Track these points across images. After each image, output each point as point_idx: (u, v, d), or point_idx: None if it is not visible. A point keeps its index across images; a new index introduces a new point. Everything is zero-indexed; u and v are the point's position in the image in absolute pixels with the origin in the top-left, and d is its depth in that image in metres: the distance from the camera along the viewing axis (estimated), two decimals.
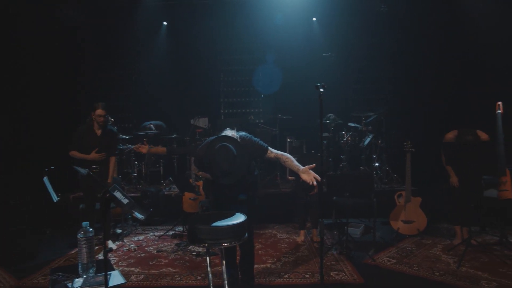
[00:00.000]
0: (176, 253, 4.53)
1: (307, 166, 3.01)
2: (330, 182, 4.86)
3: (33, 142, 6.36)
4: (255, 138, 3.20)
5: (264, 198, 5.93)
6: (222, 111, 8.48)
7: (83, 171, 4.01)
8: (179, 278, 3.81)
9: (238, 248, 3.49)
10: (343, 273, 3.84)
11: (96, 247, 4.33)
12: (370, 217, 5.49)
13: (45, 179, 4.89)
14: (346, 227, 4.62)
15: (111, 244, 4.79)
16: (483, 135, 4.49)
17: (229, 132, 3.15)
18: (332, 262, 4.14)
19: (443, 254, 4.33)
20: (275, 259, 4.28)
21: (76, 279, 2.48)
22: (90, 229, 2.63)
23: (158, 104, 7.87)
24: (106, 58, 7.81)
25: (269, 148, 3.16)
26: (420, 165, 5.54)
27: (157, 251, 4.61)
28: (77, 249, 3.04)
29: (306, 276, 3.79)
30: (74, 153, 4.52)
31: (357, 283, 3.63)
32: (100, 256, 4.19)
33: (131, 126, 7.94)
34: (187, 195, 5.48)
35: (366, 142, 6.47)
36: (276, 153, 3.14)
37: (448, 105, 6.64)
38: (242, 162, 2.95)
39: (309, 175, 2.97)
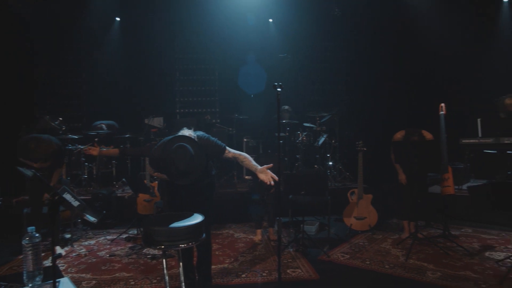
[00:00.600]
0: (130, 257, 4.38)
1: (265, 166, 3.03)
2: (286, 181, 4.93)
3: None
4: (213, 138, 3.17)
5: (221, 198, 5.91)
6: (177, 110, 8.34)
7: (28, 172, 3.76)
8: (133, 282, 3.69)
9: (195, 249, 3.44)
10: (300, 270, 3.91)
11: (43, 254, 4.09)
12: (324, 215, 5.64)
13: None
14: (302, 225, 4.71)
15: (59, 250, 4.54)
16: (428, 135, 4.76)
17: (186, 132, 3.10)
18: (289, 260, 4.20)
19: (392, 248, 4.55)
20: (232, 259, 4.27)
21: None
22: (37, 234, 2.47)
23: (111, 103, 7.60)
24: (55, 54, 7.41)
25: (227, 147, 3.15)
26: (371, 164, 5.78)
27: (110, 256, 4.44)
28: (21, 256, 2.85)
29: (263, 274, 3.82)
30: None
31: (312, 279, 3.72)
32: (48, 263, 3.96)
33: (81, 125, 7.59)
34: (142, 196, 5.33)
35: (321, 141, 6.65)
36: (234, 153, 3.14)
37: (397, 106, 6.99)
38: (199, 162, 2.91)
39: (266, 175, 3.00)
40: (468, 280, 3.55)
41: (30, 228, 2.50)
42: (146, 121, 6.96)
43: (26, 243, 2.45)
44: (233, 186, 6.56)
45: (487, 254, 4.23)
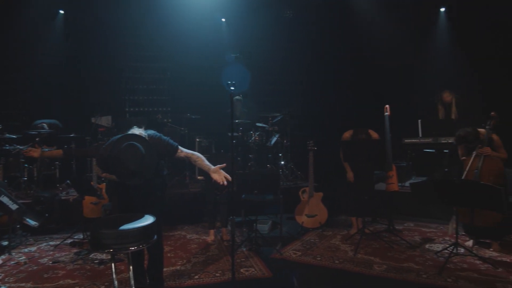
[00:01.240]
0: (75, 263, 4.16)
1: (218, 165, 3.01)
2: (239, 180, 4.94)
3: None
4: (165, 137, 3.10)
5: (174, 198, 5.79)
6: (127, 109, 8.06)
7: None
8: None
9: (146, 252, 3.34)
10: (253, 269, 3.93)
11: None
12: (277, 213, 5.72)
13: None
14: (255, 224, 4.74)
15: None
16: (374, 134, 5.00)
17: (136, 131, 3.00)
18: (242, 259, 4.21)
19: (342, 243, 4.72)
20: (185, 261, 4.20)
21: None
22: None
23: (54, 100, 7.16)
24: None
25: (179, 147, 3.09)
26: (321, 163, 5.94)
27: (53, 262, 4.18)
28: None
29: (216, 275, 3.80)
30: None
31: (266, 277, 3.76)
32: None
33: (19, 124, 7.07)
34: (88, 199, 5.08)
35: (273, 141, 6.73)
36: (186, 153, 3.09)
37: (346, 107, 7.27)
38: (150, 162, 2.83)
39: (220, 175, 2.98)
40: (411, 271, 3.77)
41: None
42: (93, 120, 6.65)
43: None
44: (185, 186, 6.45)
45: (427, 246, 4.51)
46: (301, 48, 7.94)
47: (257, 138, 6.65)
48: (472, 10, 6.52)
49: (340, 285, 3.61)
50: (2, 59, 7.08)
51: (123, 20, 7.45)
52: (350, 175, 5.03)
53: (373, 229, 5.14)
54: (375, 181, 5.26)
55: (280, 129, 7.00)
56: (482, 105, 5.92)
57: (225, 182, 2.96)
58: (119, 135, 2.92)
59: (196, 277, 3.75)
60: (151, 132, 3.09)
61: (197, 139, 6.98)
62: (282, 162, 6.89)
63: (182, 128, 7.04)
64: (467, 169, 4.22)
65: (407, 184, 6.13)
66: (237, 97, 6.80)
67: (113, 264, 2.67)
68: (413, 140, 6.21)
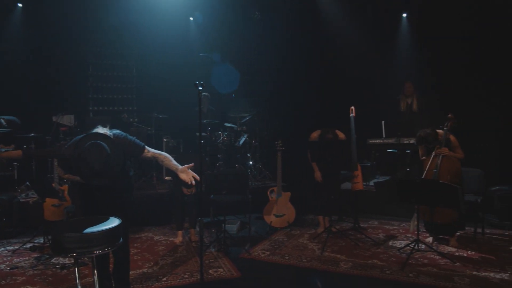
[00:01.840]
0: (36, 268, 3.98)
1: (186, 165, 2.98)
2: (208, 181, 4.91)
3: None
4: (131, 137, 3.03)
5: (140, 199, 5.67)
6: (90, 108, 7.80)
7: None
8: None
9: (111, 255, 3.25)
10: (221, 269, 3.92)
11: None
12: (245, 213, 5.73)
13: None
14: (223, 224, 4.73)
15: None
16: (341, 134, 5.11)
17: (101, 130, 2.91)
18: (211, 260, 4.19)
19: (309, 242, 4.80)
20: (152, 263, 4.13)
21: None
22: None
23: (11, 97, 6.79)
24: None
25: (146, 147, 3.04)
26: (289, 163, 6.02)
27: (11, 268, 3.98)
28: None
29: (185, 276, 3.76)
30: None
31: (234, 277, 3.76)
32: None
33: None
34: (49, 201, 4.88)
35: (241, 141, 6.74)
36: (153, 152, 3.04)
37: (313, 108, 7.40)
38: (115, 162, 2.76)
39: (187, 175, 2.95)
40: (376, 268, 3.90)
41: None
42: (54, 118, 6.38)
43: None
44: (152, 187, 6.34)
45: (390, 243, 4.68)
46: (269, 50, 7.99)
47: (225, 138, 6.63)
48: (433, 14, 6.82)
49: (308, 284, 3.66)
50: None
51: (88, 15, 7.20)
52: (317, 174, 5.11)
53: (340, 227, 5.27)
54: (341, 180, 5.38)
55: (248, 129, 7.03)
56: (440, 106, 6.22)
57: (193, 182, 2.94)
58: (83, 134, 2.83)
59: (164, 279, 3.70)
60: (116, 131, 3.01)
61: (165, 139, 6.87)
62: (251, 162, 6.92)
63: (149, 128, 6.91)
64: (426, 168, 4.41)
65: (371, 183, 6.33)
66: (204, 93, 6.74)
67: (76, 269, 2.58)
68: (377, 141, 6.41)
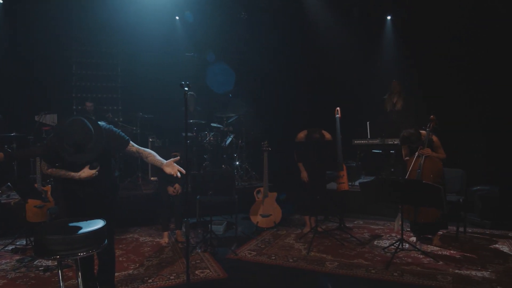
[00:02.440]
0: (18, 271, 3.89)
1: (171, 159, 2.96)
2: (194, 181, 4.89)
3: None
4: (116, 129, 3.00)
5: (126, 200, 5.60)
6: (74, 107, 7.68)
7: None
8: None
9: (96, 257, 3.21)
10: (208, 270, 3.91)
11: None
12: (232, 214, 5.73)
13: None
14: (210, 225, 4.71)
15: None
16: (327, 135, 5.15)
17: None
18: (197, 261, 4.17)
19: (295, 242, 4.82)
20: (137, 264, 4.09)
21: None
22: None
23: None
24: None
25: (131, 141, 3.02)
26: (276, 163, 6.04)
27: None
28: None
29: (171, 278, 3.73)
30: None
31: (221, 278, 3.75)
32: None
33: None
34: (32, 202, 4.78)
35: (228, 141, 6.74)
36: (138, 148, 3.01)
37: (299, 109, 7.44)
38: (98, 142, 2.69)
39: (173, 168, 2.92)
40: (361, 267, 3.94)
41: None
42: (36, 118, 6.26)
43: None
44: (138, 187, 6.28)
45: (375, 242, 4.74)
46: (255, 49, 8.00)
47: (211, 139, 6.61)
48: (417, 17, 6.93)
49: (294, 284, 3.68)
50: None
51: (72, 13, 7.09)
52: (304, 175, 5.14)
53: (325, 227, 5.31)
54: (327, 180, 5.43)
55: (235, 129, 7.02)
56: (423, 107, 6.33)
57: (179, 175, 2.92)
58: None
59: (150, 281, 3.66)
60: (102, 123, 2.97)
61: (150, 139, 6.82)
62: (237, 163, 6.91)
63: (134, 128, 6.84)
64: (410, 169, 4.48)
65: (356, 183, 6.40)
66: (190, 93, 6.70)
67: (60, 271, 2.54)
68: (362, 141, 6.50)
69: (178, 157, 3.01)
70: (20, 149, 5.99)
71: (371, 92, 7.22)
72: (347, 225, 5.39)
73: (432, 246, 4.49)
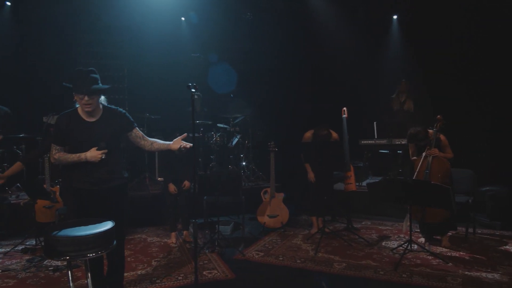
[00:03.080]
0: (28, 271, 3.93)
1: (178, 137, 3.04)
2: (201, 182, 4.89)
3: None
4: (123, 110, 3.14)
5: (133, 200, 5.62)
6: None
7: None
8: None
9: (105, 257, 3.22)
10: (216, 271, 3.91)
11: None
12: (239, 214, 5.73)
13: None
14: (217, 226, 4.72)
15: None
16: (334, 134, 5.12)
17: None
18: (205, 261, 4.18)
19: (303, 243, 4.81)
20: (146, 265, 4.10)
21: None
22: None
23: (1, 97, 6.69)
24: None
25: (137, 127, 3.13)
26: (283, 163, 6.03)
27: (2, 271, 3.92)
28: None
29: (179, 278, 3.74)
30: None
31: (229, 279, 3.75)
32: None
33: None
34: (41, 202, 4.81)
35: (234, 142, 6.74)
36: (143, 135, 3.14)
37: (306, 109, 7.43)
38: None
39: (180, 143, 3.05)
40: (369, 268, 3.92)
41: None
42: (44, 119, 6.29)
43: None
44: (145, 188, 6.29)
45: (383, 243, 4.71)
46: (261, 50, 7.99)
47: (218, 139, 6.61)
48: (423, 16, 6.89)
49: (302, 285, 3.67)
50: None
51: (79, 14, 7.13)
52: (311, 175, 5.12)
53: (333, 228, 5.29)
54: (334, 181, 5.40)
55: (241, 130, 7.01)
56: (431, 107, 6.29)
57: (187, 146, 3.02)
58: None
59: (158, 281, 3.68)
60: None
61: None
62: (244, 163, 6.91)
63: (141, 129, 6.82)
64: (417, 169, 4.44)
65: (364, 183, 6.36)
66: (197, 93, 6.72)
67: (69, 272, 2.56)
68: (369, 142, 6.46)
69: (185, 134, 3.12)
70: (29, 151, 6.02)
71: (377, 92, 7.19)
72: (355, 226, 5.36)
73: (441, 247, 4.46)
